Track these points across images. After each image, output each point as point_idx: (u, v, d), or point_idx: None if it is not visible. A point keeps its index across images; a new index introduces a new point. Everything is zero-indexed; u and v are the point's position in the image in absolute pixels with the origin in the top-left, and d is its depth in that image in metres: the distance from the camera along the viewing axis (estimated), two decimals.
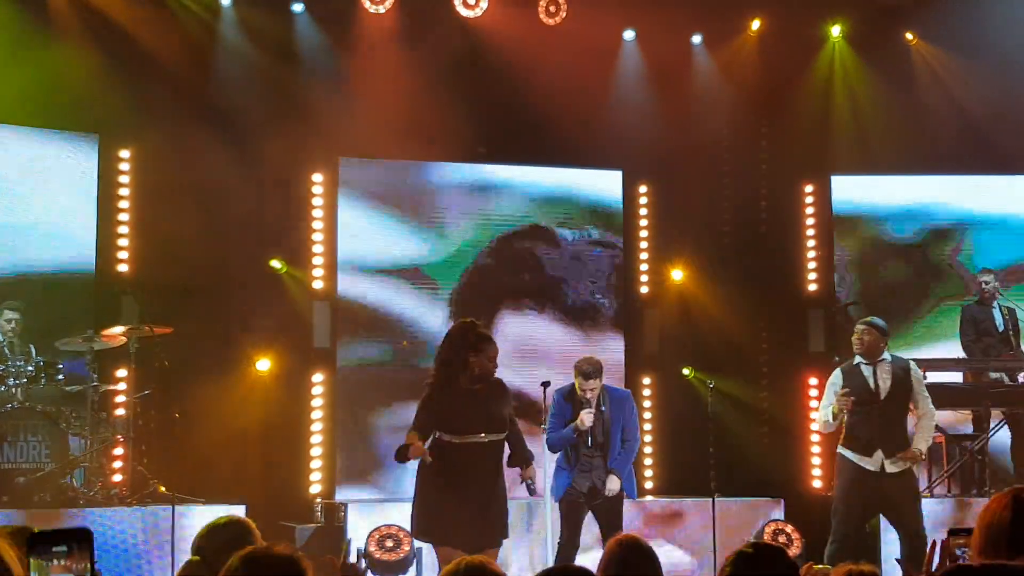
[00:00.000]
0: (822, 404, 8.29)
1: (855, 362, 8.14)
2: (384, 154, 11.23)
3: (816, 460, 11.42)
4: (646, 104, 11.66)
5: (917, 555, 6.94)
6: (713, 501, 9.64)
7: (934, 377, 9.57)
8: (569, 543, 7.93)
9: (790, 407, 11.63)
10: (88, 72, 10.08)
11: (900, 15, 11.86)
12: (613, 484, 7.95)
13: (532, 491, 7.09)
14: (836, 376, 8.18)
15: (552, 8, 11.47)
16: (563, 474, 8.03)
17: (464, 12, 11.35)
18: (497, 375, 6.94)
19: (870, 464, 7.99)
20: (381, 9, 11.17)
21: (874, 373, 8.02)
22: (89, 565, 1.71)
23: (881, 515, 8.61)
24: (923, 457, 8.35)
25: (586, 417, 7.88)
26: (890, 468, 7.97)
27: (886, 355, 8.16)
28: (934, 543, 3.25)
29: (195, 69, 10.64)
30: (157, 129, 10.35)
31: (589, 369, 7.94)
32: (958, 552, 3.14)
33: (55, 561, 1.73)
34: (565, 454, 8.03)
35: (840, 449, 8.19)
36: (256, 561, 2.66)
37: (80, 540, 1.74)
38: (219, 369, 10.27)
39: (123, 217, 10.49)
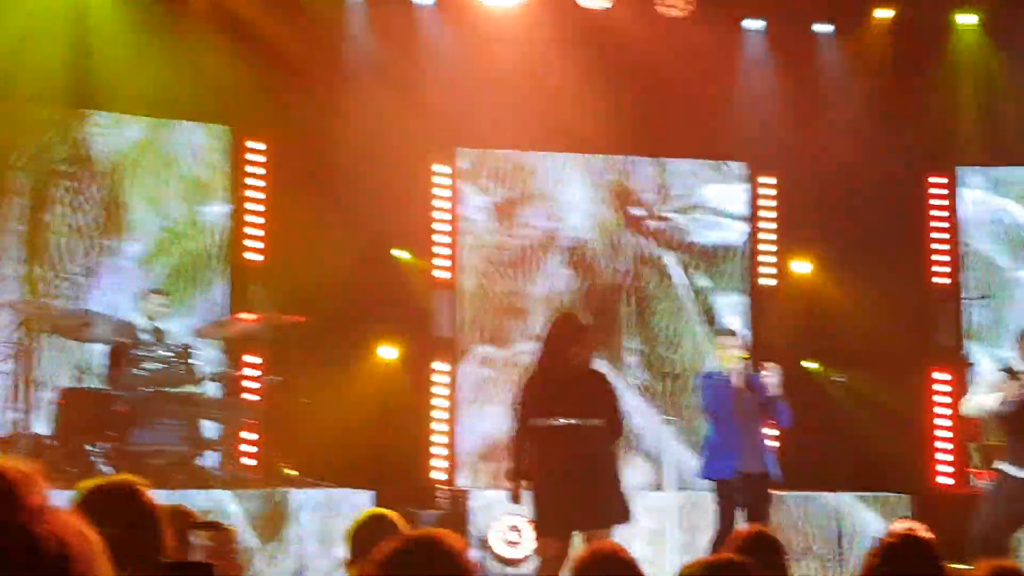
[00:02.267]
0: (977, 390, 8.11)
1: (1017, 369, 7.88)
2: (504, 145, 11.31)
3: (943, 456, 11.23)
4: (772, 95, 11.55)
5: None
6: (837, 496, 9.55)
7: None
8: None
9: (916, 402, 11.44)
10: (221, 65, 10.29)
11: None
12: None
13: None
14: (995, 374, 7.95)
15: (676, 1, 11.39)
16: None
17: (587, 4, 11.32)
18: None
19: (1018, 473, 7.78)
20: (507, 3, 11.19)
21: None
22: None
23: None
24: None
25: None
26: None
27: None
28: None
29: (322, 60, 10.80)
30: (286, 121, 10.54)
31: None
32: None
33: None
34: None
35: (997, 464, 7.91)
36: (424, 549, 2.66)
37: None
38: (345, 357, 10.43)
39: (254, 207, 10.70)
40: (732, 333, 8.23)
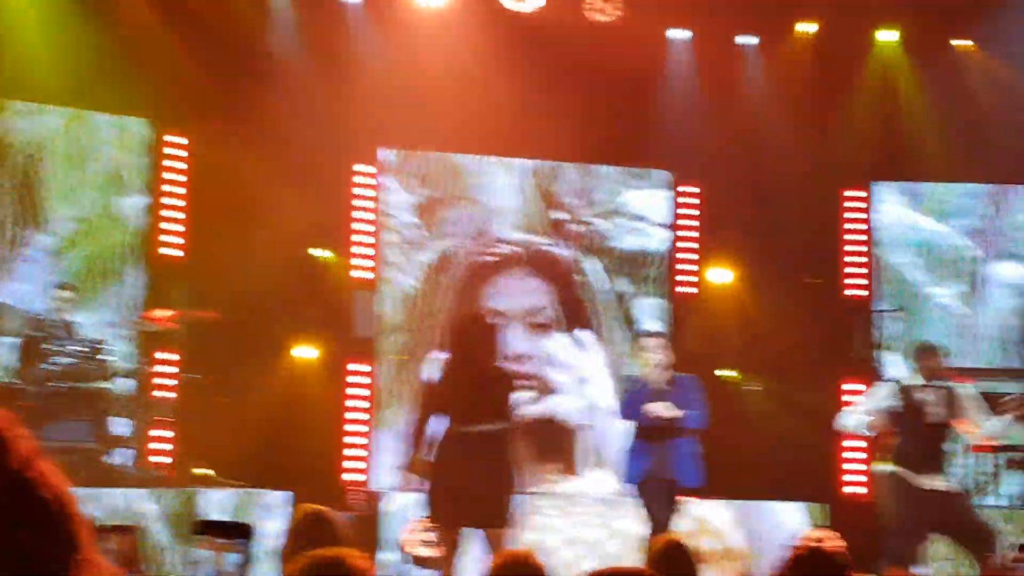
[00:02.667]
0: (861, 406, 8.21)
1: (913, 384, 8.04)
2: (427, 146, 11.30)
3: (854, 465, 11.39)
4: (697, 104, 11.66)
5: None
6: (747, 504, 9.64)
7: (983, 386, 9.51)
8: None
9: (830, 412, 11.57)
10: (144, 58, 10.16)
11: (955, 22, 11.80)
12: None
13: None
14: (885, 388, 8.08)
15: (605, 5, 11.45)
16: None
17: (514, 7, 11.35)
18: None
19: (927, 484, 7.92)
20: (434, 3, 11.19)
21: (932, 396, 7.97)
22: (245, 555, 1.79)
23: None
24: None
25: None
26: (941, 485, 7.91)
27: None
28: (988, 557, 3.25)
29: (248, 57, 10.70)
30: (209, 116, 10.42)
31: None
32: (1018, 567, 3.13)
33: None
34: None
35: (894, 468, 8.01)
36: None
37: (241, 533, 1.83)
38: (263, 356, 10.35)
39: (172, 202, 10.56)
40: (655, 335, 8.17)
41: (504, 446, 7.28)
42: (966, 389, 8.23)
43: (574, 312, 11.52)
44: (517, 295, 11.39)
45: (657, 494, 7.81)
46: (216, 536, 1.70)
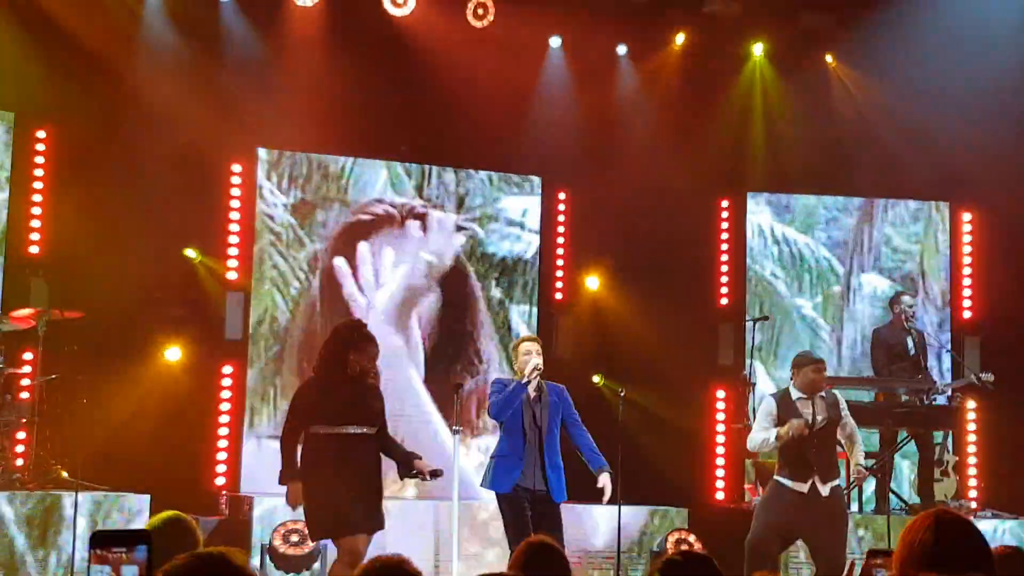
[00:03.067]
0: (758, 426, 8.29)
1: (794, 396, 8.18)
2: (304, 147, 11.20)
3: (720, 472, 11.59)
4: (568, 112, 11.75)
5: None
6: (619, 509, 9.71)
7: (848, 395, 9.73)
8: None
9: (698, 418, 11.78)
10: (8, 51, 9.90)
11: (821, 37, 12.09)
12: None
13: (433, 474, 7.32)
14: (769, 404, 8.20)
15: (480, 11, 11.50)
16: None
17: (392, 10, 11.34)
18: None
19: (805, 488, 8.06)
20: (309, 2, 11.12)
21: (812, 406, 8.11)
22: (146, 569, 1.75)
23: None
24: (866, 472, 8.53)
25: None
26: (824, 492, 8.06)
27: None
28: (852, 563, 3.30)
29: (117, 51, 10.48)
30: (75, 110, 10.19)
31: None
32: (876, 574, 3.17)
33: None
34: None
35: (776, 477, 8.11)
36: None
37: (139, 541, 1.79)
38: (128, 356, 10.14)
39: (36, 198, 10.29)
40: (533, 340, 8.11)
41: (376, 449, 7.29)
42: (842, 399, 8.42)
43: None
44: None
45: (533, 505, 7.74)
46: (113, 547, 1.65)
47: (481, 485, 7.95)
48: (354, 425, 7.15)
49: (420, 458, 7.40)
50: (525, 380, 7.69)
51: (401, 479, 7.69)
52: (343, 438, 7.12)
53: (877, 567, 3.14)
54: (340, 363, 7.19)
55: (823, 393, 8.18)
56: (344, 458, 7.08)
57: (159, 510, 4.53)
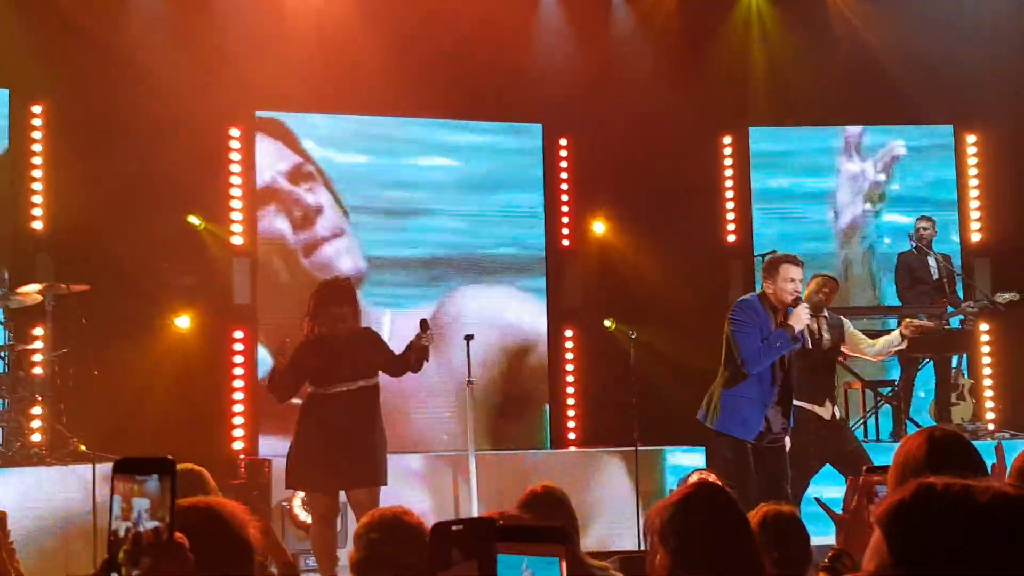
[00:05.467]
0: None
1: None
2: (300, 107, 11.15)
3: None
4: (565, 57, 11.66)
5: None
6: (636, 452, 9.73)
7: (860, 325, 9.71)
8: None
9: (711, 357, 11.71)
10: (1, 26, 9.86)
11: None
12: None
13: (422, 326, 7.30)
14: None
15: None
16: (756, 408, 7.22)
17: None
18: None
19: (825, 413, 8.06)
20: None
21: (818, 324, 8.10)
22: (169, 492, 1.76)
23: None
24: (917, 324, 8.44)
25: (803, 312, 7.10)
26: (840, 413, 8.11)
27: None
28: (851, 480, 3.31)
29: (108, 22, 10.44)
30: (69, 83, 10.17)
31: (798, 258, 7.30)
32: (877, 489, 3.20)
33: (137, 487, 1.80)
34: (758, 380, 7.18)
35: (796, 402, 7.83)
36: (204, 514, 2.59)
37: (161, 468, 1.80)
38: (138, 326, 10.16)
39: (36, 174, 10.27)
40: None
41: (372, 404, 7.31)
42: (847, 320, 8.42)
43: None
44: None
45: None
46: (134, 474, 1.63)
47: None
48: (339, 384, 7.21)
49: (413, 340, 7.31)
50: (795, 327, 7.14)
51: (417, 365, 7.48)
52: (328, 398, 7.21)
53: (876, 483, 3.16)
54: (325, 319, 7.26)
55: (826, 313, 8.18)
56: (327, 418, 7.15)
57: None
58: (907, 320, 8.46)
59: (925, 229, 10.93)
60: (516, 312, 11.57)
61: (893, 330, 8.56)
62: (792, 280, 7.14)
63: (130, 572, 1.73)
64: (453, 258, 11.52)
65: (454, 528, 1.98)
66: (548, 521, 3.76)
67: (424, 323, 7.36)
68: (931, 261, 10.91)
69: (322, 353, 7.24)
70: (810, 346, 7.79)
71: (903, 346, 8.24)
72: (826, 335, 8.13)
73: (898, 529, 1.70)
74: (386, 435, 7.48)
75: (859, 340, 8.33)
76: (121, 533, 1.75)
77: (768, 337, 7.12)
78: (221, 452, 10.37)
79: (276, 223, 11.01)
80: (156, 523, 1.76)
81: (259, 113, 11.05)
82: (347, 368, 7.24)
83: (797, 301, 7.15)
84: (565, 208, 11.92)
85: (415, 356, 7.36)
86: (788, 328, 7.08)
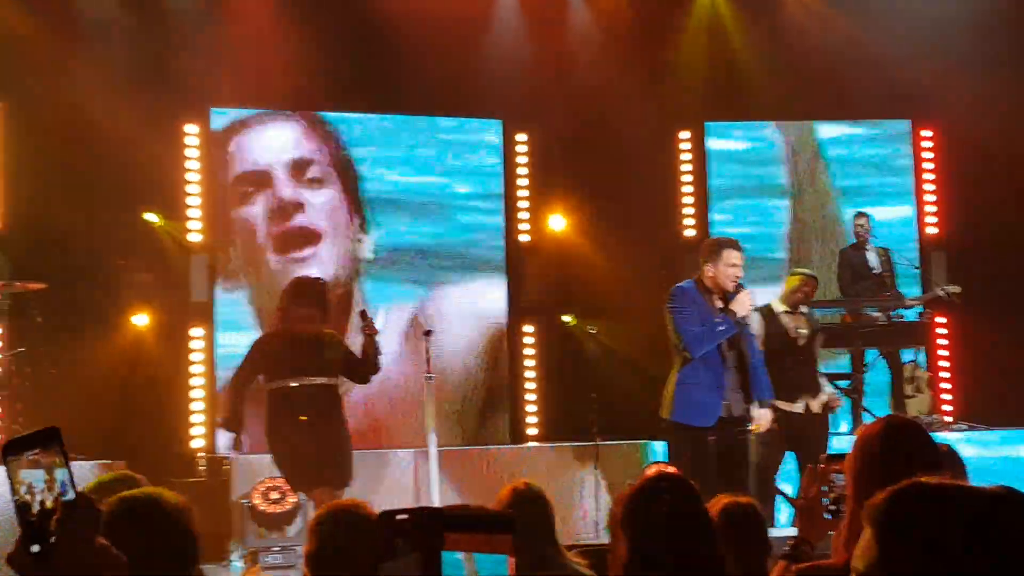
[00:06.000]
0: None
1: (777, 310, 8.18)
2: (255, 104, 11.11)
3: None
4: (523, 52, 11.67)
5: None
6: (597, 447, 9.77)
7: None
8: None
9: (670, 351, 11.75)
10: None
11: None
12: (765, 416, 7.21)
13: (362, 316, 7.42)
14: (757, 316, 8.16)
15: None
16: (710, 392, 7.13)
17: None
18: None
19: (797, 408, 8.10)
20: None
21: (796, 322, 8.15)
22: (62, 459, 1.78)
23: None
24: (839, 400, 8.70)
25: (745, 298, 7.01)
26: (815, 409, 8.13)
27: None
28: (809, 468, 3.35)
29: (63, 20, 10.35)
30: (22, 83, 10.08)
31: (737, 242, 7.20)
32: (833, 477, 3.23)
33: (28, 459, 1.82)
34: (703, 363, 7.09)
35: None
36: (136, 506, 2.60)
37: (48, 439, 1.82)
38: (95, 325, 10.09)
39: None
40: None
41: (334, 401, 7.32)
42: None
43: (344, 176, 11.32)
44: (285, 148, 11.15)
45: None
46: (33, 450, 1.63)
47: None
48: (300, 377, 7.18)
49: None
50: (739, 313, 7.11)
51: (375, 360, 7.51)
52: (291, 392, 7.19)
53: (833, 471, 3.20)
54: (289, 316, 7.29)
55: (804, 309, 8.25)
56: (297, 410, 7.14)
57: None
58: (832, 397, 8.52)
59: (861, 226, 11.05)
60: (483, 307, 11.56)
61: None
62: (734, 265, 7.12)
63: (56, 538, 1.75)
64: (418, 254, 11.47)
65: (399, 517, 1.98)
66: (495, 510, 3.78)
67: (363, 313, 7.45)
68: (870, 256, 11.00)
69: (286, 346, 7.25)
70: (795, 342, 7.94)
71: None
72: (803, 331, 8.19)
73: (890, 527, 1.70)
74: (350, 434, 7.47)
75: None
76: (35, 509, 1.78)
77: (708, 321, 7.10)
78: (180, 450, 10.32)
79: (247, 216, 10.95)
80: (68, 492, 1.78)
81: (214, 110, 10.96)
82: (309, 363, 7.24)
83: (739, 287, 7.12)
84: (524, 203, 11.92)
85: (370, 352, 7.38)
86: (731, 313, 7.06)
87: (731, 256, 7.15)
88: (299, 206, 11.04)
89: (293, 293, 7.42)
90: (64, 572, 1.67)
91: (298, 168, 11.13)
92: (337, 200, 11.24)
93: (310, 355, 7.25)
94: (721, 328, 7.07)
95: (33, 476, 1.80)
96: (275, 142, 11.18)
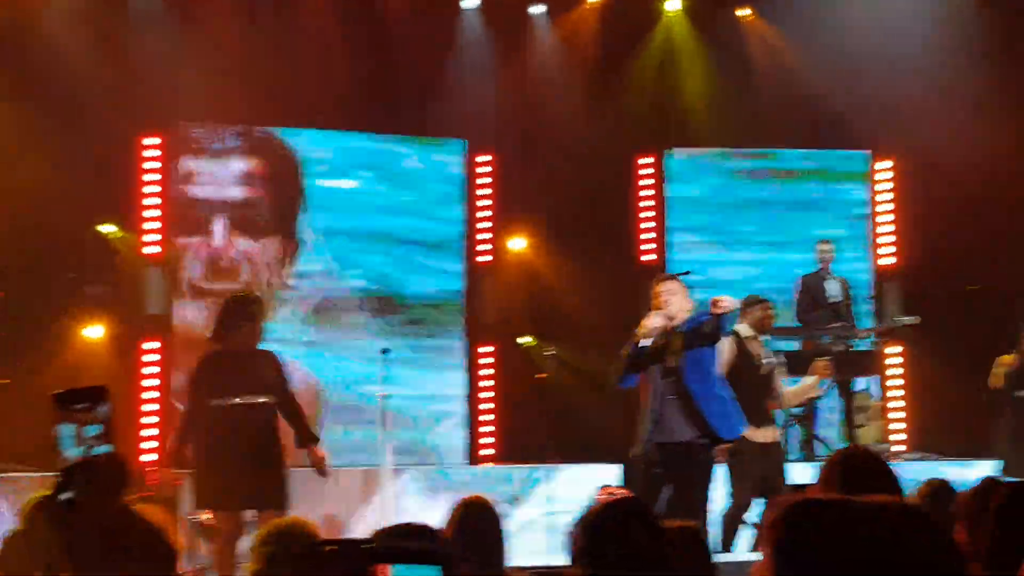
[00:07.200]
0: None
1: (743, 334, 8.22)
2: (217, 119, 11.06)
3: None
4: (488, 74, 11.70)
5: None
6: (552, 468, 9.75)
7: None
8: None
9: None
10: None
11: None
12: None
13: (322, 473, 7.35)
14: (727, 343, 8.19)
15: None
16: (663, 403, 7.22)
17: None
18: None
19: (768, 437, 8.11)
20: None
21: (759, 349, 8.19)
22: (108, 413, 1.79)
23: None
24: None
25: (650, 319, 7.12)
26: (778, 438, 8.16)
27: None
28: (772, 501, 3.36)
29: (24, 28, 10.28)
30: None
31: None
32: None
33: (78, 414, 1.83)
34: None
35: None
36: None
37: (96, 396, 1.83)
38: (49, 336, 10.00)
39: None
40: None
41: (272, 420, 7.26)
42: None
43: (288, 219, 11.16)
44: (226, 183, 10.98)
45: None
46: (74, 404, 1.61)
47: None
48: (239, 395, 7.11)
49: (317, 442, 7.40)
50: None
51: (297, 448, 7.53)
52: (228, 410, 7.09)
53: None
54: (229, 334, 7.22)
55: (763, 337, 8.30)
56: (230, 430, 7.05)
57: None
58: (817, 363, 8.55)
59: (825, 252, 11.07)
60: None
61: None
62: (656, 296, 7.29)
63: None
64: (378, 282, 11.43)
65: (327, 549, 1.97)
66: (427, 546, 3.75)
67: (322, 473, 7.37)
68: (829, 285, 11.03)
69: (224, 366, 7.19)
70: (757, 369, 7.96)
71: (821, 390, 8.34)
72: (766, 360, 8.21)
73: (781, 545, 1.72)
74: (285, 455, 7.37)
75: (778, 384, 8.45)
76: (71, 460, 1.81)
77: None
78: (131, 464, 10.21)
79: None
80: (105, 447, 1.81)
81: (173, 122, 10.90)
82: (248, 382, 7.17)
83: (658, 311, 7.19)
84: (486, 224, 11.91)
85: (298, 439, 7.33)
86: (633, 335, 7.20)
87: (653, 290, 7.35)
88: (231, 260, 10.95)
89: (231, 311, 7.34)
90: (87, 525, 1.68)
91: (240, 213, 10.99)
92: (272, 251, 11.10)
93: (250, 373, 7.18)
94: (628, 352, 7.25)
95: (71, 430, 1.82)
96: (224, 171, 11.04)
